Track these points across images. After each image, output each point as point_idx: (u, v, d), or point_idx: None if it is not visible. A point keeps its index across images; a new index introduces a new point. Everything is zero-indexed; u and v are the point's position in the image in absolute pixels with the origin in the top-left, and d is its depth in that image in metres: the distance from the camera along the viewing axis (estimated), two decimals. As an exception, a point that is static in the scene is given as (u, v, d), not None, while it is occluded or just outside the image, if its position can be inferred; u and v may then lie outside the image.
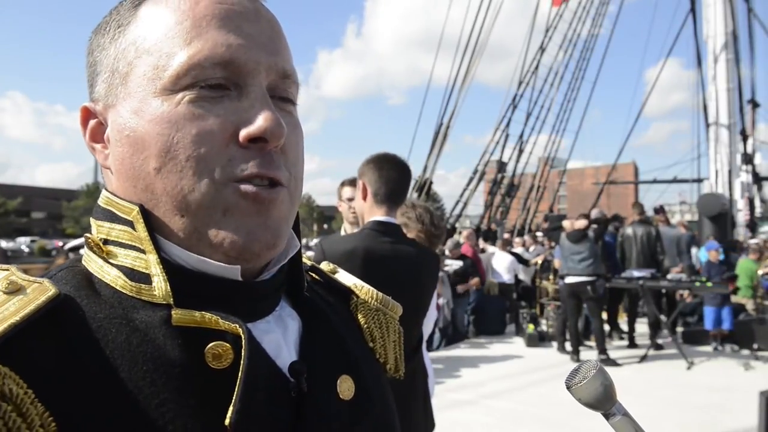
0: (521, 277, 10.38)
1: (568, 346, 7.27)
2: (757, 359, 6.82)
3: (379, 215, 2.00)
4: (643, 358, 6.89)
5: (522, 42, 18.72)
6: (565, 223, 7.64)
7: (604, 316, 7.70)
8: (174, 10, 0.54)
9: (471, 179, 17.15)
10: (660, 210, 9.73)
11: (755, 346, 7.14)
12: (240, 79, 0.54)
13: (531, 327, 8.22)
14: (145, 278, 0.52)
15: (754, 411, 3.70)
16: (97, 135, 0.58)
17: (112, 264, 0.53)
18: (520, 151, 18.09)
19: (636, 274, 7.46)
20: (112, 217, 0.55)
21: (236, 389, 0.48)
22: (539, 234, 13.66)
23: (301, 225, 0.65)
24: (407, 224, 2.35)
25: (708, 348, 7.51)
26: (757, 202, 16.68)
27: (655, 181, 22.02)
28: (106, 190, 0.58)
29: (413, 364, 1.95)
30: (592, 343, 7.34)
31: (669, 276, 7.79)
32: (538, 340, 8.01)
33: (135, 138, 0.53)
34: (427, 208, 2.48)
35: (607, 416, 0.61)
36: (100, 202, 0.57)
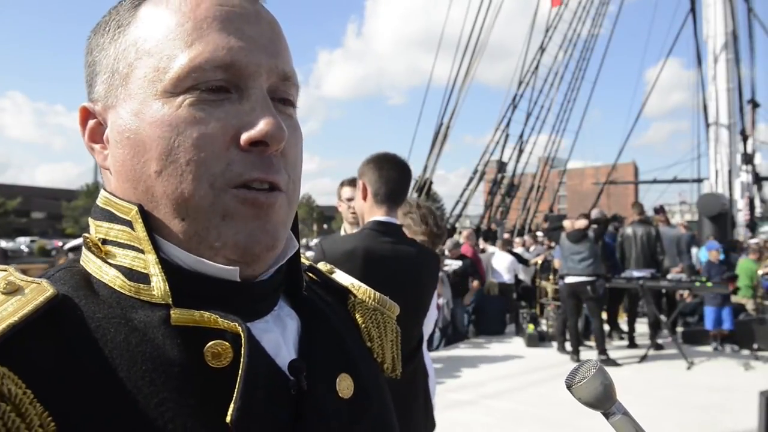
0: (521, 277, 10.39)
1: (568, 346, 7.27)
2: (757, 359, 6.82)
3: (379, 215, 2.00)
4: (643, 358, 6.89)
5: (522, 42, 18.72)
6: (566, 223, 7.64)
7: (604, 316, 7.71)
8: (175, 11, 0.54)
9: (471, 179, 17.17)
10: (660, 210, 9.73)
11: (755, 346, 7.14)
12: (241, 81, 0.54)
13: (531, 327, 8.22)
14: (143, 278, 0.52)
15: (754, 411, 3.70)
16: (96, 135, 0.58)
17: (110, 264, 0.53)
18: (520, 151, 18.11)
19: (636, 274, 7.46)
20: (111, 217, 0.55)
21: (237, 387, 0.48)
22: (539, 234, 13.66)
23: (301, 225, 0.65)
24: (411, 225, 2.35)
25: (708, 348, 7.52)
26: (757, 202, 16.68)
27: (655, 181, 22.03)
28: (105, 190, 0.57)
29: (414, 364, 1.95)
30: (592, 343, 7.34)
31: (669, 276, 7.80)
32: (538, 340, 8.02)
33: (135, 140, 0.53)
34: (430, 209, 2.49)
35: (607, 415, 0.61)
36: (99, 202, 0.57)
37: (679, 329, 8.26)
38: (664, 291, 8.09)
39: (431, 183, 16.00)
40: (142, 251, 0.52)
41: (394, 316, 0.75)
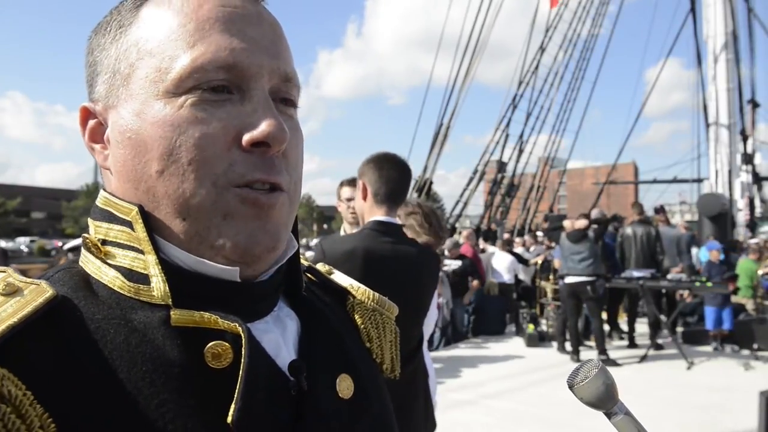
0: (521, 277, 10.39)
1: (568, 346, 7.27)
2: (757, 359, 6.82)
3: (379, 215, 2.00)
4: (643, 358, 6.89)
5: (522, 42, 18.72)
6: (566, 223, 7.64)
7: (604, 316, 7.71)
8: (177, 12, 0.54)
9: (471, 179, 17.16)
10: (660, 210, 9.73)
11: (755, 346, 7.14)
12: (243, 82, 0.54)
13: (531, 327, 8.22)
14: (143, 279, 0.52)
15: (754, 411, 3.70)
16: (97, 135, 0.57)
17: (110, 265, 0.53)
18: (520, 151, 18.10)
19: (636, 274, 7.46)
20: (111, 218, 0.55)
21: (237, 387, 0.48)
22: (540, 234, 13.66)
23: (301, 225, 0.66)
24: (414, 225, 2.35)
25: (708, 348, 7.51)
26: (757, 202, 16.68)
27: (655, 181, 22.03)
28: (105, 190, 0.57)
29: (414, 364, 1.95)
30: (592, 343, 7.34)
31: (669, 276, 7.80)
32: (538, 340, 8.02)
33: (137, 140, 0.53)
34: (432, 209, 2.49)
35: (609, 415, 0.61)
36: (99, 202, 0.57)
37: (679, 329, 8.25)
38: (664, 291, 8.08)
39: (431, 183, 16.00)
40: (141, 252, 0.52)
41: (393, 316, 0.75)
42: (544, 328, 8.62)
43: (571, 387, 0.61)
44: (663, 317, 7.52)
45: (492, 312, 9.09)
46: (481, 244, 11.99)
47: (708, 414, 4.87)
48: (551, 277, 9.34)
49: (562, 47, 18.62)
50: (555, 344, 7.71)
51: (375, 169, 2.01)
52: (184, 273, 0.53)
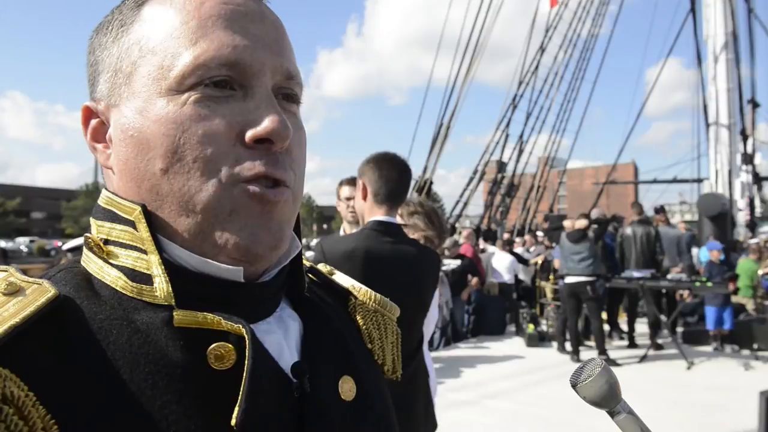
0: (521, 277, 10.38)
1: (568, 346, 7.27)
2: (757, 359, 6.82)
3: (379, 215, 1.99)
4: (643, 358, 6.89)
5: (522, 42, 18.71)
6: (566, 223, 7.64)
7: (604, 316, 7.70)
8: (179, 9, 0.54)
9: (471, 179, 17.14)
10: (660, 210, 9.72)
11: (755, 346, 7.14)
12: (245, 80, 0.53)
13: (531, 327, 8.22)
14: (146, 279, 0.51)
15: (754, 411, 3.70)
16: (99, 134, 0.57)
17: (112, 264, 0.53)
18: (520, 151, 18.09)
19: (636, 274, 7.45)
20: (113, 217, 0.54)
21: (241, 389, 0.48)
22: (540, 234, 13.66)
23: (301, 225, 0.65)
24: (417, 225, 2.36)
25: (708, 348, 7.51)
26: (757, 202, 16.67)
27: (655, 181, 21.99)
28: (107, 190, 0.57)
29: (414, 365, 1.95)
30: (592, 343, 7.33)
31: (669, 276, 7.79)
32: (538, 340, 8.01)
33: (140, 138, 0.52)
34: (433, 208, 2.50)
35: (612, 414, 0.61)
36: (101, 202, 0.57)
37: (679, 329, 8.25)
38: (664, 291, 8.08)
39: (431, 183, 15.98)
40: (144, 252, 0.52)
41: (395, 317, 0.75)
42: (544, 328, 8.61)
43: (574, 386, 0.61)
44: (663, 317, 7.52)
45: (492, 312, 9.09)
46: (481, 244, 11.98)
47: (708, 414, 4.86)
48: (551, 277, 9.34)
49: (562, 47, 18.63)
50: (555, 344, 7.71)
51: (375, 168, 2.01)
52: (188, 273, 0.52)
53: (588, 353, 7.21)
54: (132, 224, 0.53)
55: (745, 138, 14.46)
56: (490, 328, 8.94)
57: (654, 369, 6.54)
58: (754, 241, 11.49)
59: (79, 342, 0.47)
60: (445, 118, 15.93)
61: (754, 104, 16.34)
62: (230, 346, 0.50)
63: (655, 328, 7.50)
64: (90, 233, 0.56)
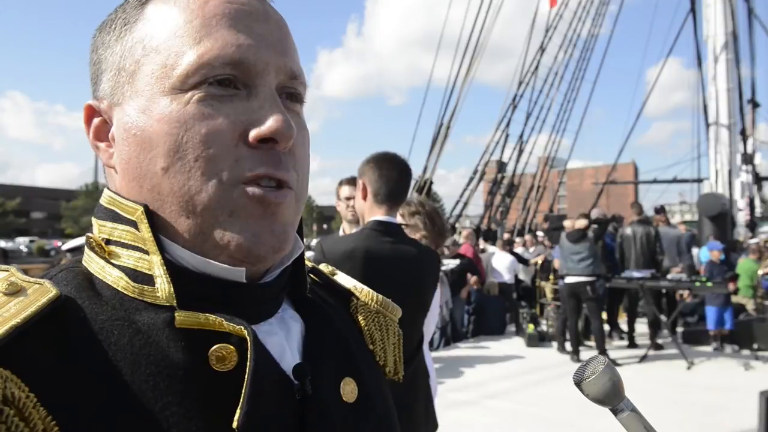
0: (521, 277, 10.38)
1: (568, 346, 7.27)
2: (757, 359, 6.82)
3: (379, 215, 1.99)
4: (643, 358, 6.89)
5: (522, 42, 18.71)
6: (566, 223, 7.64)
7: (604, 316, 7.70)
8: (183, 8, 0.54)
9: (471, 179, 17.14)
10: (660, 210, 9.72)
11: (755, 346, 7.14)
12: (249, 79, 0.53)
13: (531, 327, 8.21)
14: (148, 279, 0.51)
15: (754, 411, 3.70)
16: (101, 133, 0.57)
17: (114, 264, 0.53)
18: (520, 151, 18.08)
19: (636, 274, 7.45)
20: (115, 217, 0.54)
21: (243, 391, 0.47)
22: (540, 234, 13.65)
23: (303, 226, 0.65)
24: (419, 225, 2.36)
25: (708, 348, 7.51)
26: (757, 202, 16.66)
27: (655, 181, 21.98)
28: (109, 189, 0.57)
29: (414, 365, 1.95)
30: (592, 343, 7.33)
31: (669, 276, 7.79)
32: (538, 340, 8.01)
33: (143, 137, 0.52)
34: (434, 208, 2.50)
35: (615, 412, 0.61)
36: (103, 201, 0.56)
37: (679, 329, 8.25)
38: (664, 291, 8.08)
39: (431, 183, 15.97)
40: (146, 252, 0.51)
41: (397, 318, 0.75)
42: (544, 328, 8.61)
43: (578, 383, 0.61)
44: (663, 317, 7.52)
45: (492, 312, 9.09)
46: (481, 244, 11.98)
47: (708, 414, 4.86)
48: (551, 277, 9.34)
49: (562, 47, 18.63)
50: (555, 344, 7.70)
51: (375, 168, 2.01)
52: (189, 274, 0.52)
53: (588, 353, 7.20)
54: (134, 224, 0.52)
55: (745, 138, 14.46)
56: (490, 328, 8.94)
57: (654, 369, 6.54)
58: (754, 241, 11.49)
59: (80, 342, 0.47)
60: (445, 118, 15.93)
61: (754, 104, 16.35)
62: (232, 347, 0.50)
63: (654, 327, 7.49)
64: (92, 233, 0.56)
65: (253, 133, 0.51)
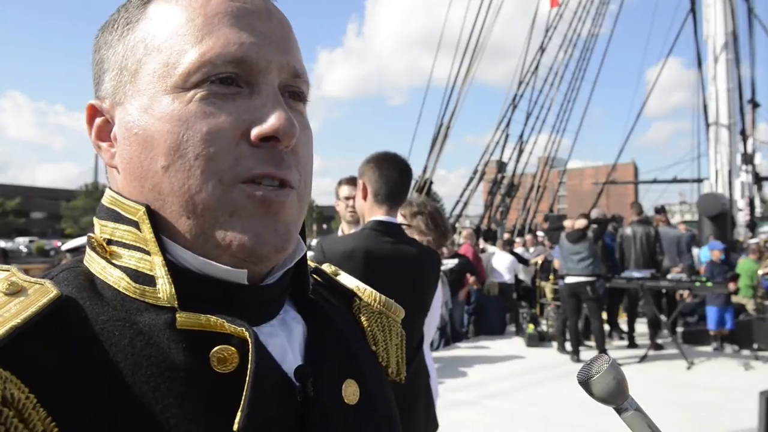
0: (521, 277, 10.37)
1: (568, 346, 7.27)
2: (757, 359, 6.82)
3: (379, 215, 1.99)
4: (643, 358, 6.89)
5: (522, 42, 18.71)
6: (566, 223, 7.64)
7: (604, 316, 7.70)
8: (185, 7, 0.53)
9: (471, 179, 17.14)
10: (660, 210, 9.72)
11: (755, 346, 7.13)
12: (252, 77, 0.53)
13: (531, 327, 8.21)
14: (149, 280, 0.51)
15: (754, 411, 3.70)
16: (104, 133, 0.57)
17: (115, 265, 0.52)
18: (520, 151, 18.09)
19: (636, 274, 7.45)
20: (117, 217, 0.54)
21: (244, 393, 0.47)
22: (540, 234, 13.65)
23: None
24: (420, 226, 2.35)
25: (708, 348, 7.51)
26: (757, 202, 16.66)
27: (655, 181, 21.98)
28: (111, 189, 0.56)
29: (414, 365, 1.95)
30: (592, 343, 7.33)
31: (669, 276, 7.79)
32: (538, 340, 8.01)
33: (144, 136, 0.52)
34: (436, 208, 2.49)
35: (619, 411, 0.60)
36: (105, 201, 0.56)
37: (679, 329, 8.25)
38: (664, 291, 8.08)
39: (431, 183, 15.97)
40: (148, 253, 0.51)
41: (399, 319, 0.74)
42: (544, 328, 8.61)
43: (582, 382, 0.60)
44: (663, 317, 7.52)
45: (492, 312, 9.08)
46: (481, 244, 11.98)
47: (708, 414, 4.86)
48: (551, 277, 9.33)
49: (562, 47, 18.62)
50: (555, 344, 7.70)
51: (375, 168, 2.00)
52: (191, 275, 0.52)
53: (588, 353, 7.20)
54: (135, 225, 0.52)
55: (745, 138, 14.46)
56: (490, 328, 8.94)
57: (654, 369, 6.54)
58: (754, 241, 11.49)
59: (80, 343, 0.46)
60: (445, 118, 15.93)
61: (754, 104, 16.35)
62: (233, 349, 0.49)
63: (654, 327, 7.49)
64: (93, 233, 0.55)
65: (255, 132, 0.51)
